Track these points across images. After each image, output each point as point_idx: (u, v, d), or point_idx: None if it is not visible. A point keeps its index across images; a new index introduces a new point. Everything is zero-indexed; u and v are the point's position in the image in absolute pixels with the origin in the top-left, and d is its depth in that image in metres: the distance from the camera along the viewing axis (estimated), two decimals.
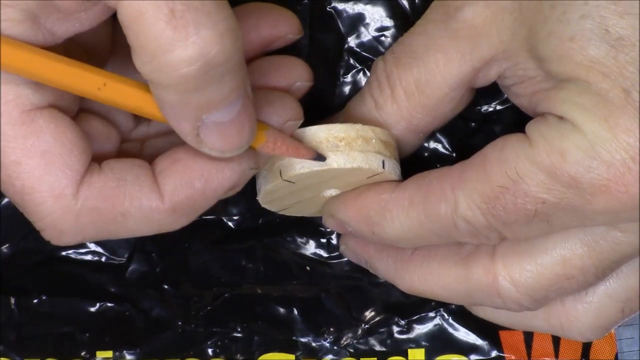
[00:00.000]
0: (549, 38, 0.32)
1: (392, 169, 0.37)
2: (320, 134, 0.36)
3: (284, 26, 0.39)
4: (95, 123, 0.35)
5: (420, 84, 0.36)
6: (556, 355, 0.43)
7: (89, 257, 0.43)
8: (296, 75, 0.38)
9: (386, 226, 0.37)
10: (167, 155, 0.34)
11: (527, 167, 0.33)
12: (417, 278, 0.38)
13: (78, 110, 0.35)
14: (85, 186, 0.33)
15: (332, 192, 0.38)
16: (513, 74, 0.35)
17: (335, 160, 0.36)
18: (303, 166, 0.36)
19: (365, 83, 0.39)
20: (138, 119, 0.38)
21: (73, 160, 0.32)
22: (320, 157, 0.36)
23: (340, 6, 0.42)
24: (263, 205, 0.39)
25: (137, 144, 0.38)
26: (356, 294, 0.43)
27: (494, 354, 0.43)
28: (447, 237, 0.36)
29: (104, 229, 0.34)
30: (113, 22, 0.35)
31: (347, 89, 0.42)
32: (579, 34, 0.31)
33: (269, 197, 0.38)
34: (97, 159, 0.34)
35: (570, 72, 0.32)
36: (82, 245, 0.43)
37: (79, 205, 0.33)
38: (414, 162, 0.42)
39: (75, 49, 0.34)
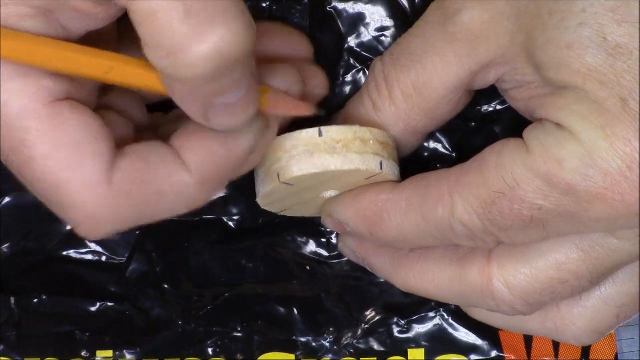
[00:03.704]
0: (547, 45, 0.32)
1: (391, 170, 0.37)
2: (317, 136, 0.36)
3: (302, 52, 0.40)
4: (112, 114, 0.36)
5: (418, 86, 0.36)
6: (556, 356, 0.43)
7: (89, 257, 0.43)
8: (315, 83, 0.39)
9: (384, 227, 0.37)
10: (182, 131, 0.34)
11: (524, 174, 0.33)
12: (413, 276, 0.38)
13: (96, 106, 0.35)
14: (116, 172, 0.32)
15: (331, 193, 0.38)
16: (511, 78, 0.35)
17: (333, 163, 0.36)
18: (300, 169, 0.36)
19: (363, 84, 0.39)
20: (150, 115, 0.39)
21: (101, 148, 0.32)
22: (320, 112, 0.37)
23: (340, 6, 0.42)
24: (263, 207, 0.39)
25: (151, 132, 0.38)
26: (356, 294, 0.43)
27: (494, 354, 0.43)
28: (444, 239, 0.36)
29: (141, 212, 0.33)
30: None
31: (347, 89, 0.42)
32: (577, 41, 0.31)
33: (268, 199, 0.38)
34: (117, 146, 0.34)
35: (568, 80, 0.32)
36: (82, 244, 0.43)
37: (114, 191, 0.32)
38: (413, 162, 0.42)
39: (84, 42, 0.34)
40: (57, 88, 0.32)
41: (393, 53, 0.37)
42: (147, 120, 0.38)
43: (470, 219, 0.34)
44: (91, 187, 0.32)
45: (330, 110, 0.42)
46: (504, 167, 0.33)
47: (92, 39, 0.33)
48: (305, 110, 0.36)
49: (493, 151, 0.34)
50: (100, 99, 0.36)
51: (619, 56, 0.31)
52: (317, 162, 0.36)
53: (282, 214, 0.41)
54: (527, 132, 0.33)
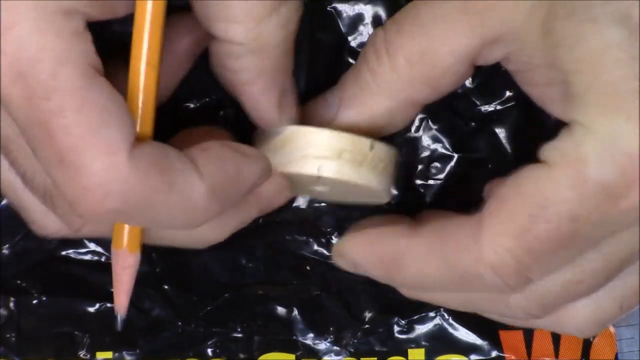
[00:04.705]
0: (569, 18, 0.31)
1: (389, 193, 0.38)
2: (368, 149, 0.36)
3: None
4: None
5: (425, 53, 0.35)
6: (556, 355, 0.43)
7: (89, 257, 0.43)
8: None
9: (403, 272, 0.36)
10: (196, 146, 0.34)
11: (551, 188, 0.31)
12: None
13: None
14: (137, 148, 0.31)
15: (321, 188, 0.39)
16: (517, 59, 0.34)
17: (375, 181, 0.37)
18: (348, 174, 0.36)
19: (359, 55, 0.38)
20: None
21: (129, 121, 0.31)
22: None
23: (340, 6, 0.42)
24: None
25: None
26: (356, 294, 0.43)
27: (494, 354, 0.43)
28: (469, 289, 0.35)
29: (146, 200, 0.32)
30: None
31: None
32: (601, 16, 0.30)
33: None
34: None
35: (581, 59, 0.31)
36: (82, 244, 0.43)
37: (131, 164, 0.31)
38: (414, 163, 0.42)
39: None
40: (98, 60, 0.32)
41: (397, 20, 0.36)
42: None
43: (502, 260, 0.33)
44: (110, 155, 0.31)
45: None
46: (528, 192, 0.32)
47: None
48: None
49: (508, 185, 0.33)
50: None
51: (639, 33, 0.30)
52: (364, 176, 0.36)
53: None
54: (542, 150, 0.32)
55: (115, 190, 0.31)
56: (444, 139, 0.43)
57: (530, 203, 0.32)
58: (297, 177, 0.38)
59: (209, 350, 0.43)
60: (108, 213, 0.32)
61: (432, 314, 0.43)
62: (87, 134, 0.30)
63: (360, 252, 0.37)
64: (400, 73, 0.36)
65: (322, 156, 0.36)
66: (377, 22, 0.42)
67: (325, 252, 0.43)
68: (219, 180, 0.33)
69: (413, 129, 0.42)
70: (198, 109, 0.42)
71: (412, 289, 0.37)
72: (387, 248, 0.36)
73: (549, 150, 0.32)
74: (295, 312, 0.43)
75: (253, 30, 0.34)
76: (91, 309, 0.43)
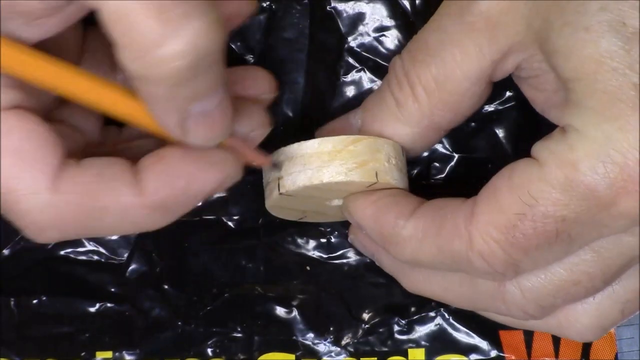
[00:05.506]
0: (564, 28, 0.31)
1: (391, 178, 0.37)
2: (308, 148, 0.36)
3: (260, 87, 0.39)
4: (63, 127, 0.35)
5: (440, 80, 0.35)
6: (556, 355, 0.43)
7: (88, 257, 0.43)
8: (262, 87, 0.38)
9: (398, 249, 0.36)
10: (152, 154, 0.34)
11: (541, 188, 0.32)
12: (421, 278, 0.38)
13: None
14: (63, 180, 0.32)
15: (336, 202, 0.38)
16: (529, 65, 0.34)
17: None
18: (294, 182, 0.36)
19: (383, 81, 0.38)
20: (105, 131, 0.38)
21: (46, 156, 0.32)
22: (276, 166, 0.36)
23: (340, 6, 0.42)
24: (279, 217, 0.40)
25: (109, 147, 0.37)
26: (356, 294, 0.43)
27: (493, 354, 0.43)
28: (461, 271, 0.35)
29: (84, 225, 0.33)
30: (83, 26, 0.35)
31: (347, 89, 0.42)
32: (596, 25, 0.31)
33: (276, 210, 0.39)
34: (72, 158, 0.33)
35: (578, 68, 0.31)
36: (82, 244, 0.43)
37: (58, 199, 0.32)
38: (413, 163, 0.42)
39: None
40: (5, 98, 0.31)
41: (410, 50, 0.37)
42: (99, 136, 0.38)
43: (491, 250, 0.33)
44: (33, 195, 0.32)
45: (332, 110, 0.42)
46: (519, 188, 0.32)
47: (48, 48, 0.32)
48: (262, 161, 0.36)
49: (503, 177, 0.33)
50: (53, 112, 0.35)
51: (636, 42, 0.30)
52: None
53: (301, 220, 0.41)
54: (536, 148, 0.33)
55: (50, 225, 0.32)
56: (444, 139, 0.43)
57: (519, 200, 0.32)
58: (289, 205, 0.38)
59: (209, 350, 0.43)
60: (53, 240, 0.33)
61: (432, 314, 0.43)
62: (7, 181, 0.31)
63: (364, 218, 0.37)
64: (421, 102, 0.36)
65: (277, 172, 0.36)
66: (377, 22, 0.42)
67: (325, 252, 0.43)
68: (164, 195, 0.33)
69: None
70: None
71: (405, 263, 0.37)
72: (387, 224, 0.36)
73: (542, 149, 0.32)
74: (295, 312, 0.43)
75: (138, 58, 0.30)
76: (91, 309, 0.43)
